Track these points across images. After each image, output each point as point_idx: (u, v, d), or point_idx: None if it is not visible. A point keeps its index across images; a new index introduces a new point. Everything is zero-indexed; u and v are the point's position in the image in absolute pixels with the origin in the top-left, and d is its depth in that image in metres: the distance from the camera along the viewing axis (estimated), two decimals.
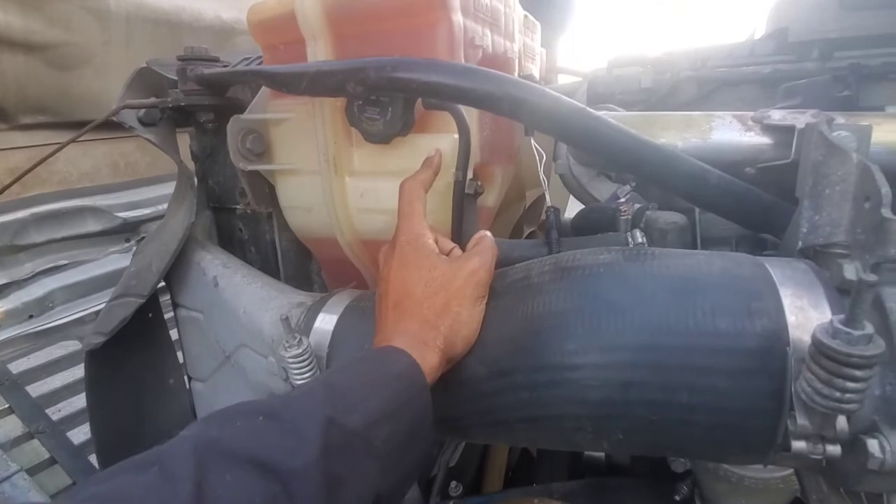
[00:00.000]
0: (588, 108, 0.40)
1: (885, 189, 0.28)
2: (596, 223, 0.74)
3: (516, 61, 0.66)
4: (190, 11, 1.50)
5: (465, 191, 0.61)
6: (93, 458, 1.03)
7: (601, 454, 0.91)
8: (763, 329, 0.29)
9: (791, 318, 0.29)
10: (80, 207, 1.42)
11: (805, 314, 0.29)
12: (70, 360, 1.35)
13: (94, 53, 1.29)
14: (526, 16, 0.79)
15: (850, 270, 0.29)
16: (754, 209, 0.41)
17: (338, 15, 0.50)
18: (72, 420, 1.20)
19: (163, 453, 0.27)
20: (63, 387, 1.30)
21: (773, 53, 0.75)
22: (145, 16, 1.40)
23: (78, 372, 1.31)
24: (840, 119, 0.42)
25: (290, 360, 0.46)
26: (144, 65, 0.64)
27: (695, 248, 0.57)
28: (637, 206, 0.62)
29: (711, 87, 0.77)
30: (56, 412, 1.24)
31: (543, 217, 0.67)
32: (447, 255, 0.46)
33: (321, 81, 0.46)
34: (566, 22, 1.85)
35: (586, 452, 0.91)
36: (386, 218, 0.55)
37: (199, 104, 0.54)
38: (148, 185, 1.61)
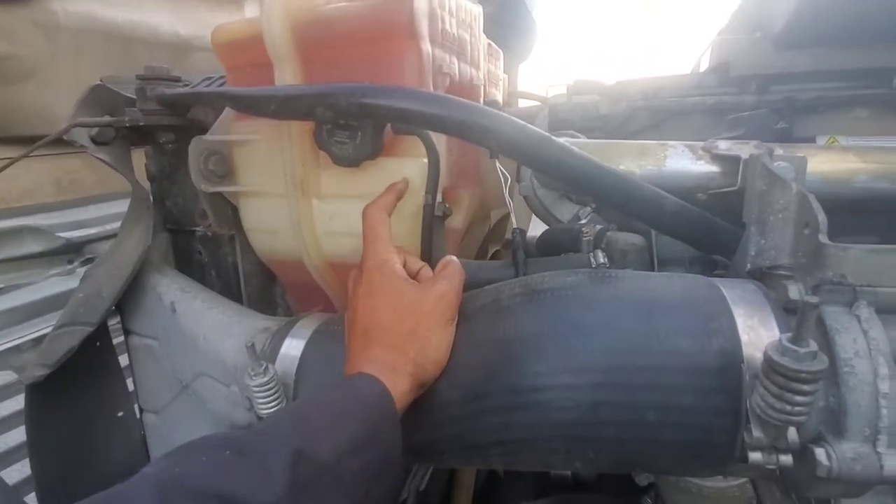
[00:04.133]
0: (552, 137, 0.42)
1: (822, 217, 0.30)
2: (560, 243, 0.76)
3: (482, 88, 0.68)
4: (145, 26, 1.46)
5: (434, 213, 0.62)
6: (30, 499, 0.94)
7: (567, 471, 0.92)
8: (720, 348, 0.31)
9: (744, 337, 0.31)
10: (18, 227, 1.33)
11: (756, 333, 0.31)
12: (4, 392, 1.24)
13: (40, 67, 1.23)
14: (490, 44, 0.81)
15: (794, 291, 0.32)
16: (706, 233, 0.44)
17: (306, 39, 0.50)
18: (6, 458, 1.10)
19: (122, 493, 0.25)
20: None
21: (717, 86, 0.81)
22: (97, 29, 1.34)
23: (14, 405, 1.21)
24: (779, 150, 0.45)
25: (256, 390, 0.44)
26: (99, 81, 0.62)
27: (652, 268, 0.60)
28: (598, 227, 0.65)
29: (663, 116, 0.82)
30: None
31: (509, 237, 0.68)
32: (416, 275, 0.46)
33: (290, 106, 0.46)
34: (528, 48, 1.93)
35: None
36: (355, 241, 0.55)
37: (159, 124, 0.53)
38: (94, 203, 1.53)
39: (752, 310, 0.32)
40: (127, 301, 0.63)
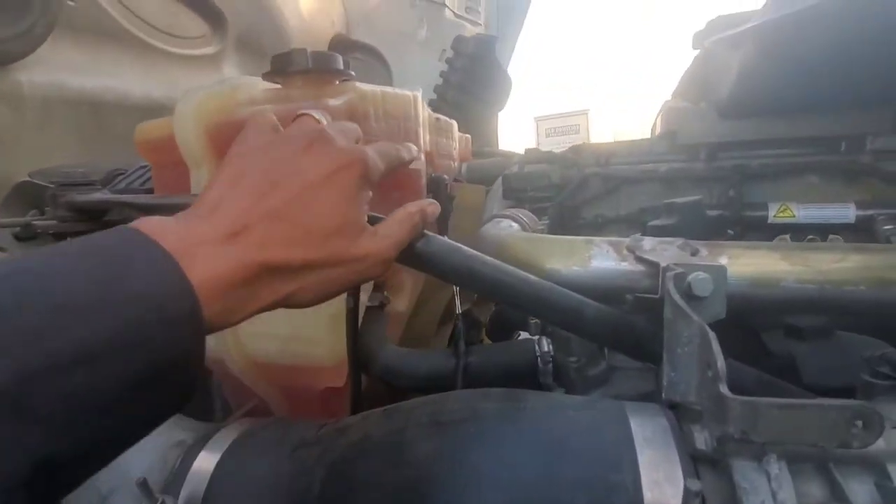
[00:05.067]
0: (462, 247, 0.40)
1: (720, 363, 0.28)
2: (510, 323, 0.74)
3: (421, 169, 0.67)
4: (116, 91, 1.47)
5: (369, 304, 0.60)
6: None
7: None
8: None
9: (647, 495, 0.28)
10: None
11: (661, 489, 0.29)
12: None
13: (4, 137, 1.23)
14: (438, 118, 0.81)
15: (701, 440, 0.29)
16: (631, 340, 0.42)
17: (220, 142, 0.49)
18: None
19: None
20: None
21: (666, 153, 0.81)
22: (65, 97, 1.35)
23: None
24: (703, 251, 0.44)
25: None
26: (26, 178, 0.61)
27: (601, 354, 0.57)
28: None
29: (615, 182, 0.81)
30: None
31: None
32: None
33: None
34: (502, 99, 1.96)
35: None
36: (277, 342, 0.52)
37: (72, 231, 0.51)
38: None
39: (659, 459, 0.30)
40: None
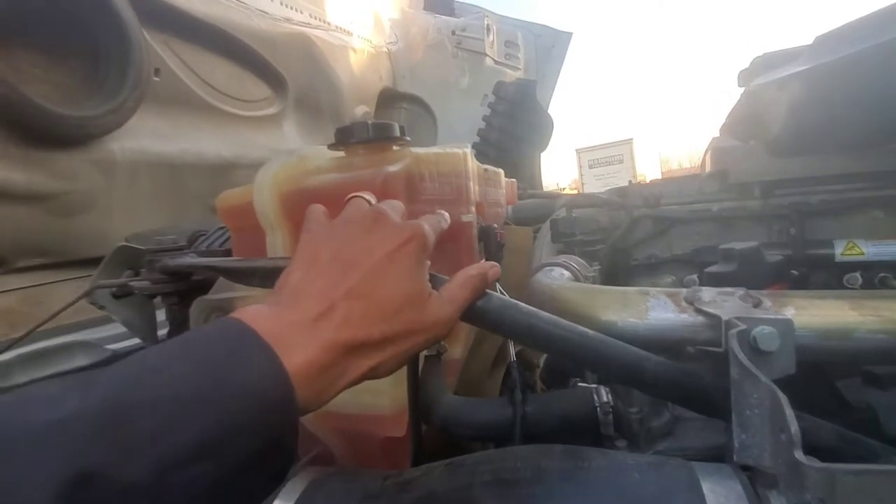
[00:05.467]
0: (519, 304, 0.42)
1: (794, 427, 0.28)
2: (566, 370, 0.74)
3: (473, 221, 0.70)
4: (192, 153, 1.62)
5: (427, 353, 0.62)
6: None
7: None
8: None
9: None
10: (68, 343, 1.43)
11: None
12: None
13: (98, 200, 1.38)
14: (486, 169, 0.85)
15: None
16: (696, 395, 0.41)
17: (294, 209, 0.54)
18: None
19: None
20: None
21: (718, 191, 0.80)
22: (149, 161, 1.50)
23: None
24: (767, 302, 0.43)
25: None
26: (123, 242, 0.69)
27: (663, 404, 0.56)
28: None
29: (666, 224, 0.81)
30: None
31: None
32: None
33: (272, 277, 0.48)
34: (544, 139, 2.00)
35: None
36: (343, 392, 0.55)
37: (163, 292, 0.57)
38: None
39: None
40: None
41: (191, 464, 0.22)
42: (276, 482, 0.28)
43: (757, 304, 0.42)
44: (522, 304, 0.42)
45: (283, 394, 0.26)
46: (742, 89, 0.88)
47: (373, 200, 0.39)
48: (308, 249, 0.34)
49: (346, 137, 0.54)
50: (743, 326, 0.36)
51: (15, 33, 1.12)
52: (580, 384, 0.62)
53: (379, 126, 0.54)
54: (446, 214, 0.43)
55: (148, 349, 0.27)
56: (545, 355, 0.83)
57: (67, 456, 0.20)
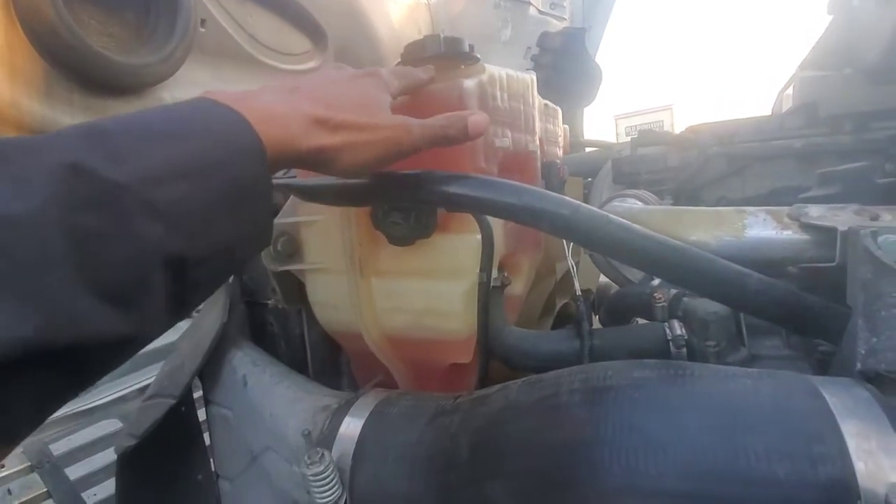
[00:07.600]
0: (609, 216, 0.40)
1: None
2: (630, 308, 0.71)
3: (538, 152, 0.67)
4: None
5: (492, 284, 0.61)
6: None
7: None
8: (828, 479, 0.26)
9: (860, 465, 0.26)
10: None
11: (875, 460, 0.26)
12: (109, 440, 1.37)
13: None
14: (546, 104, 0.81)
15: None
16: (801, 315, 0.38)
17: None
18: None
19: None
20: (101, 469, 1.31)
21: (804, 127, 0.73)
22: None
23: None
24: (886, 215, 0.39)
25: (311, 479, 0.44)
26: None
27: (740, 339, 0.54)
28: (673, 291, 0.60)
29: (742, 162, 0.76)
30: (92, 496, 1.24)
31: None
32: None
33: (346, 195, 0.48)
34: (592, 92, 1.91)
35: None
36: (410, 317, 0.55)
37: None
38: None
39: (868, 429, 0.27)
40: (207, 372, 0.68)
41: (170, 181, 0.26)
42: (259, 231, 0.33)
43: (874, 218, 0.39)
44: (616, 217, 0.40)
45: (251, 143, 0.30)
46: (830, 17, 0.80)
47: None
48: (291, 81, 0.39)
49: (418, 52, 0.51)
50: (873, 227, 0.32)
51: None
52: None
53: (451, 40, 0.52)
54: (430, 68, 0.50)
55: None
56: (605, 301, 0.81)
57: (61, 151, 0.24)
